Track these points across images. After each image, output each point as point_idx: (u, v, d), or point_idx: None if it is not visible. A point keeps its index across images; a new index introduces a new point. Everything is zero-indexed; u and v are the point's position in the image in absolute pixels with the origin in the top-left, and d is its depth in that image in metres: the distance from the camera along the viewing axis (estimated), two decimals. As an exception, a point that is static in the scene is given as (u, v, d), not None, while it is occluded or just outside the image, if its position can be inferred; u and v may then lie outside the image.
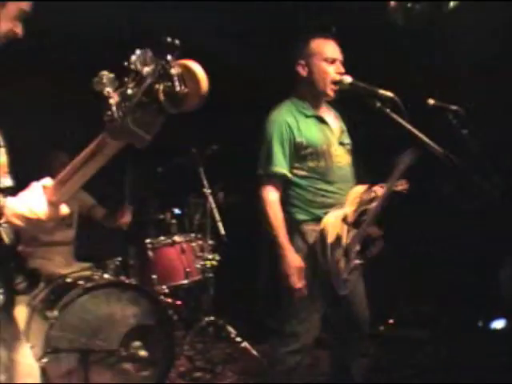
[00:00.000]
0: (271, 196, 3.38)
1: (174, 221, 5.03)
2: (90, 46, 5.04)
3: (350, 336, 3.57)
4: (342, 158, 3.55)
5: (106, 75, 1.61)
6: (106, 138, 1.73)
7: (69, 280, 4.23)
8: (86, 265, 4.65)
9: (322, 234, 3.33)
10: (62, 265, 4.57)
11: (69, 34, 4.95)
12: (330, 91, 3.47)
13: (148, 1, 4.84)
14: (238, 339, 4.94)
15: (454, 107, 3.75)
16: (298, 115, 3.46)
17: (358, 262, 3.46)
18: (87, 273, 4.40)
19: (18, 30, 2.32)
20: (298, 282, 3.30)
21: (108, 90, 1.60)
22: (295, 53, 3.56)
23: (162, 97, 1.55)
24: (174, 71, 1.53)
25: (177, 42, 1.53)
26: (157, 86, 1.55)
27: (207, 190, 5.08)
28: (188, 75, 1.55)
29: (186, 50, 1.57)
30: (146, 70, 1.56)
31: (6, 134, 2.23)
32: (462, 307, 5.13)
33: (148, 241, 4.77)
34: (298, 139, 3.40)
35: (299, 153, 3.41)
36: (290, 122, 3.42)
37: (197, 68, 1.56)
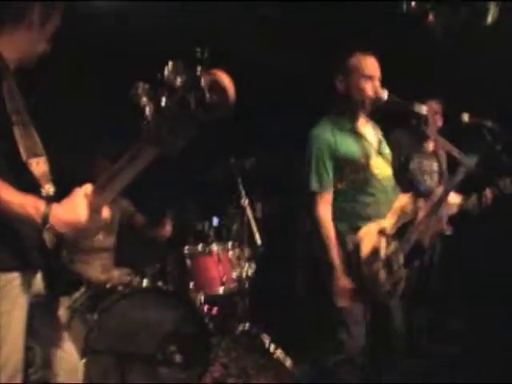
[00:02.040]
0: (324, 214, 3.45)
1: (211, 230, 5.12)
2: (128, 56, 5.13)
3: (383, 348, 3.61)
4: (381, 169, 3.59)
5: (141, 86, 1.72)
6: (142, 146, 1.83)
7: (108, 285, 4.32)
8: (125, 271, 4.76)
9: (356, 247, 3.38)
10: (101, 270, 4.66)
11: (107, 46, 5.05)
12: (367, 106, 3.54)
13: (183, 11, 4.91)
14: (272, 348, 4.98)
15: (488, 123, 3.79)
16: (335, 131, 3.53)
17: (403, 272, 3.50)
18: (126, 278, 4.50)
19: (48, 47, 2.45)
20: (344, 302, 3.35)
21: (144, 100, 1.71)
22: (335, 68, 3.62)
23: (193, 106, 1.65)
24: (203, 81, 1.64)
25: (206, 53, 1.64)
26: (188, 95, 1.66)
27: (245, 201, 5.16)
28: (216, 85, 1.65)
29: (224, 61, 1.67)
30: (178, 80, 1.67)
31: (48, 143, 2.35)
32: (497, 322, 5.11)
33: (186, 249, 4.86)
34: (337, 154, 3.47)
35: (339, 167, 3.48)
36: (328, 138, 3.49)
37: (225, 78, 1.67)
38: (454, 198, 5.22)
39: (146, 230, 5.13)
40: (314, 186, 3.47)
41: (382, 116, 3.75)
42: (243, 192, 5.17)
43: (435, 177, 5.21)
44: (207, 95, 1.64)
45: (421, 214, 3.59)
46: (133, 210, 5.14)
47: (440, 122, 5.08)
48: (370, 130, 3.69)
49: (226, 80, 1.65)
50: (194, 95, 1.65)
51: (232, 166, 5.14)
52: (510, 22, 5.11)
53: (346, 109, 3.60)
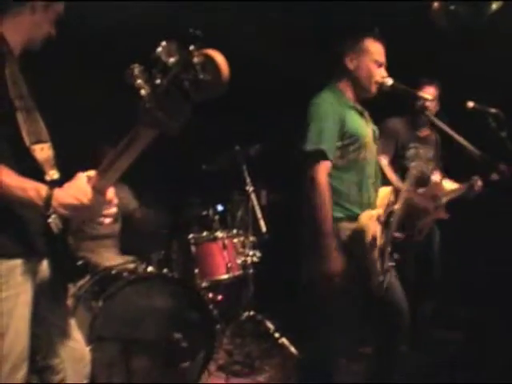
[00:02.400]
0: (322, 177, 3.27)
1: (216, 217, 5.10)
2: (121, 40, 5.10)
3: (390, 335, 3.56)
4: (375, 156, 3.58)
5: (136, 67, 1.71)
6: (139, 128, 1.83)
7: (113, 272, 4.33)
8: (130, 258, 4.75)
9: (360, 234, 3.34)
10: (107, 257, 4.67)
11: (105, 30, 5.00)
12: (373, 89, 3.52)
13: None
14: (277, 335, 4.99)
15: (493, 110, 3.77)
16: (342, 104, 3.48)
17: (391, 263, 3.48)
18: (131, 265, 4.51)
19: (53, 31, 2.45)
20: (336, 286, 3.24)
21: (139, 81, 1.70)
22: (345, 46, 3.58)
23: (186, 85, 1.64)
24: (196, 60, 1.63)
25: (198, 32, 1.63)
26: (181, 75, 1.64)
27: (250, 188, 5.15)
28: (210, 64, 1.64)
29: (220, 47, 1.66)
30: (171, 60, 1.65)
31: (52, 130, 2.34)
32: (499, 310, 5.10)
33: (191, 236, 4.85)
34: (345, 127, 3.39)
35: (343, 142, 3.39)
36: (338, 109, 3.41)
37: (218, 56, 1.65)
38: (452, 185, 5.24)
39: (144, 224, 5.11)
40: (317, 144, 3.31)
41: (379, 104, 3.73)
42: (248, 179, 5.16)
43: (431, 164, 5.21)
44: (200, 74, 1.62)
45: (396, 207, 3.55)
46: (134, 206, 5.16)
47: (437, 107, 5.07)
48: (367, 117, 3.68)
49: (218, 58, 1.64)
50: (187, 75, 1.63)
51: (237, 153, 5.13)
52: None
53: (348, 87, 3.56)
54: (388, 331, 3.54)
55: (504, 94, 5.07)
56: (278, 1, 5.13)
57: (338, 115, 3.38)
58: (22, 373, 2.27)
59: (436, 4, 5.33)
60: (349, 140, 3.39)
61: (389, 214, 3.50)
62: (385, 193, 3.57)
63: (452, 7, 5.28)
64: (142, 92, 1.69)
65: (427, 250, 5.16)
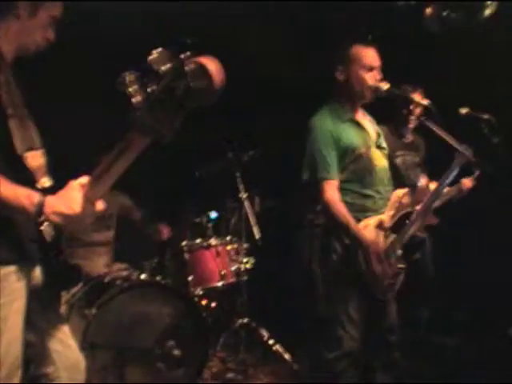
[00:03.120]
0: (334, 196, 3.41)
1: (210, 224, 5.10)
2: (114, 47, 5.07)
3: (378, 342, 3.60)
4: (379, 161, 3.60)
5: (128, 75, 1.71)
6: (131, 136, 1.83)
7: (107, 279, 4.31)
8: (124, 265, 4.73)
9: (360, 237, 3.37)
10: (100, 265, 4.65)
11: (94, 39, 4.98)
12: (368, 95, 3.53)
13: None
14: (271, 342, 4.97)
15: (486, 116, 3.79)
16: (336, 120, 3.53)
17: (401, 266, 3.49)
18: (125, 273, 4.49)
19: (50, 36, 2.42)
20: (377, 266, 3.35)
21: (131, 89, 1.70)
22: (335, 58, 3.61)
23: (179, 93, 1.64)
24: (188, 68, 1.63)
25: (190, 40, 1.63)
26: (174, 83, 1.65)
27: (243, 195, 5.14)
28: (202, 71, 1.64)
29: (204, 48, 1.66)
30: (163, 68, 1.66)
31: (45, 137, 2.33)
32: (494, 314, 5.10)
33: (184, 243, 4.83)
34: (339, 143, 3.46)
35: (340, 157, 3.47)
36: (330, 127, 3.48)
37: (210, 64, 1.66)
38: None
39: (143, 225, 5.11)
40: (323, 173, 3.44)
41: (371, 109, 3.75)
42: (241, 186, 5.15)
43: (417, 170, 5.21)
44: (191, 82, 1.63)
45: (418, 208, 3.58)
46: (131, 205, 5.12)
47: (423, 108, 5.06)
48: (368, 123, 3.69)
49: (211, 66, 1.64)
50: (179, 83, 1.64)
51: (230, 160, 5.12)
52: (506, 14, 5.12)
53: (345, 99, 3.59)
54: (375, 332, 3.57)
55: (497, 99, 5.10)
56: (276, 4, 5.12)
57: (332, 133, 3.46)
58: (15, 380, 2.25)
59: (429, 9, 5.35)
60: (346, 154, 3.45)
61: (402, 216, 3.53)
62: (396, 196, 3.60)
63: (445, 12, 5.30)
64: (134, 100, 1.69)
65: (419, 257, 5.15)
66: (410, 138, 5.25)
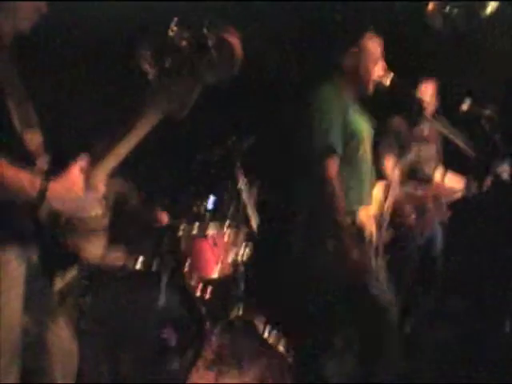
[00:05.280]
0: (333, 173, 3.29)
1: (207, 214, 5.05)
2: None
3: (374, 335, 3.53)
4: (370, 156, 3.53)
5: (143, 52, 1.64)
6: (144, 112, 1.75)
7: (102, 268, 4.27)
8: (119, 253, 4.67)
9: (360, 229, 3.29)
10: (95, 252, 4.58)
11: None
12: (371, 88, 3.47)
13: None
14: (266, 334, 4.92)
15: (487, 112, 3.75)
16: (342, 101, 3.45)
17: (383, 262, 3.45)
18: (120, 261, 4.45)
19: (43, 6, 2.30)
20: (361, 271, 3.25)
21: (146, 66, 1.63)
22: (343, 43, 3.54)
23: (199, 67, 1.58)
24: (211, 41, 1.57)
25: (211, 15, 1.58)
26: (194, 56, 1.58)
27: (242, 183, 5.07)
28: (224, 45, 1.58)
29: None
30: (184, 42, 1.59)
31: (44, 116, 2.27)
32: (490, 310, 5.11)
33: (181, 232, 4.78)
34: (346, 123, 3.38)
35: (345, 138, 3.37)
36: (342, 106, 3.41)
37: (231, 37, 1.60)
38: (455, 182, 5.21)
39: (140, 211, 5.05)
40: (331, 142, 3.31)
41: (379, 103, 3.71)
42: (240, 174, 5.08)
43: (433, 162, 5.18)
44: (215, 55, 1.57)
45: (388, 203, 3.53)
46: (128, 190, 5.04)
47: (436, 103, 5.02)
48: (365, 117, 3.64)
49: (233, 40, 1.59)
50: (200, 56, 1.58)
51: (229, 148, 5.05)
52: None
53: (347, 85, 3.52)
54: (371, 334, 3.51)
55: (499, 95, 5.08)
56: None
57: (341, 111, 3.35)
58: (15, 368, 2.21)
59: (431, 5, 5.31)
60: (349, 137, 3.36)
61: (382, 212, 3.48)
62: (378, 189, 3.54)
63: (447, 9, 5.26)
64: (150, 76, 1.63)
65: (429, 250, 5.13)
66: (426, 129, 5.21)
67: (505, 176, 4.46)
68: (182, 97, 1.65)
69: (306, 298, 3.57)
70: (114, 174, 4.59)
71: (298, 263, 3.61)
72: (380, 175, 4.24)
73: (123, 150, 1.90)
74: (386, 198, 3.52)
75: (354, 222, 3.30)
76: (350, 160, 3.36)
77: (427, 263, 5.10)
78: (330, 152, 3.29)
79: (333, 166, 3.27)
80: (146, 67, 1.64)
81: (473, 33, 5.22)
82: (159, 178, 5.24)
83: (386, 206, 3.48)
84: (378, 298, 3.40)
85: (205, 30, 1.58)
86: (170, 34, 1.60)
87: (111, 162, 1.96)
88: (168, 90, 1.64)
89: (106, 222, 4.85)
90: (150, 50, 1.64)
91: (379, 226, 3.40)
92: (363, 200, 3.39)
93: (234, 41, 1.60)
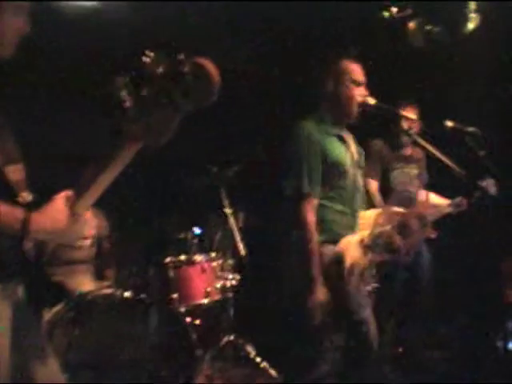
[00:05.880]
0: (309, 217, 3.28)
1: (194, 240, 5.03)
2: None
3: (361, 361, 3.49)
4: (359, 181, 3.54)
5: (119, 79, 1.64)
6: (122, 143, 1.76)
7: (89, 298, 4.21)
8: (106, 283, 4.66)
9: (339, 257, 3.28)
10: (82, 283, 4.56)
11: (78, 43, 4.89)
12: (354, 111, 3.47)
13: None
14: (258, 359, 4.90)
15: (471, 129, 3.77)
16: (323, 132, 3.43)
17: (374, 285, 3.43)
18: (107, 291, 4.40)
19: (26, 27, 2.24)
20: (317, 317, 3.23)
21: (123, 93, 1.63)
22: (322, 71, 3.55)
23: (176, 95, 1.58)
24: (186, 69, 1.57)
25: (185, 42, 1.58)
26: (170, 85, 1.58)
27: (228, 210, 5.07)
28: (201, 71, 1.58)
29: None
30: (159, 70, 1.60)
31: (25, 149, 2.25)
32: (480, 327, 5.10)
33: (168, 260, 4.76)
34: (327, 158, 3.35)
35: (326, 171, 3.36)
36: (320, 139, 3.38)
37: (207, 64, 1.60)
38: (439, 202, 5.23)
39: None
40: (306, 188, 3.30)
41: (361, 125, 3.71)
42: (226, 201, 5.08)
43: (416, 182, 5.20)
44: (191, 83, 1.57)
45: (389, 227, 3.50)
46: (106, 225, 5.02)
47: (418, 127, 5.05)
48: (351, 141, 3.63)
49: (209, 65, 1.59)
50: (176, 84, 1.58)
51: (215, 175, 5.05)
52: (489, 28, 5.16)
53: (330, 113, 3.52)
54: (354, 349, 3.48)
55: (481, 112, 5.12)
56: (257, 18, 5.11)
57: (319, 146, 3.35)
58: None
59: (412, 24, 5.36)
60: (330, 169, 3.35)
61: (376, 236, 3.45)
62: (371, 215, 3.52)
63: (428, 27, 5.31)
64: (127, 104, 1.63)
65: (416, 270, 5.13)
66: (409, 150, 5.24)
67: (492, 191, 4.48)
68: (160, 126, 1.65)
69: (292, 322, 3.54)
70: (97, 205, 4.60)
71: (285, 289, 3.58)
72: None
73: (105, 180, 1.90)
74: (375, 224, 3.49)
75: (335, 252, 3.29)
76: (333, 191, 3.36)
77: (413, 285, 5.10)
78: (305, 197, 3.29)
79: (308, 210, 3.28)
80: (123, 95, 1.64)
81: (454, 50, 5.27)
82: (144, 206, 5.22)
83: (375, 233, 3.45)
84: (360, 324, 3.39)
85: (181, 56, 1.58)
86: (144, 59, 1.61)
87: (94, 192, 1.96)
88: (145, 119, 1.63)
89: (93, 252, 4.84)
90: (126, 76, 1.64)
91: (367, 252, 3.37)
92: (349, 228, 3.38)
93: (211, 67, 1.60)
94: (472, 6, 5.20)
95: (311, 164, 3.33)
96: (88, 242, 4.51)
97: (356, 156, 3.58)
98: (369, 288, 3.42)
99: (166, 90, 1.59)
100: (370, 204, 4.17)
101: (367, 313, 3.42)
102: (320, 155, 3.35)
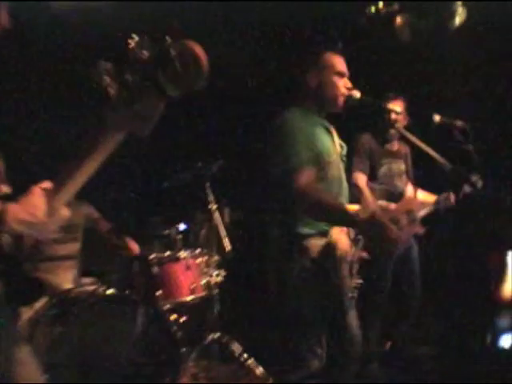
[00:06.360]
0: (312, 184, 3.15)
1: (179, 236, 4.96)
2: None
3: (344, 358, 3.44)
4: (342, 174, 3.48)
5: (103, 64, 1.57)
6: (104, 132, 1.68)
7: (72, 295, 4.17)
8: (90, 279, 4.60)
9: (332, 248, 3.24)
10: (66, 279, 4.50)
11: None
12: (340, 103, 3.42)
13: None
14: (244, 357, 4.85)
15: (459, 123, 3.75)
16: (308, 122, 3.37)
17: (359, 280, 3.39)
18: (91, 288, 4.33)
19: (5, 21, 2.18)
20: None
21: (106, 80, 1.56)
22: (305, 64, 3.50)
23: (162, 80, 1.51)
24: (173, 52, 1.50)
25: (174, 23, 1.51)
26: (157, 69, 1.51)
27: (213, 206, 5.02)
28: (190, 55, 1.51)
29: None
30: (145, 55, 1.52)
31: (3, 141, 2.19)
32: (470, 323, 5.09)
33: (153, 256, 4.68)
34: (314, 147, 3.28)
35: (312, 161, 3.25)
36: (307, 127, 3.32)
37: (196, 47, 1.52)
38: (426, 198, 5.21)
39: (110, 235, 4.97)
40: (296, 163, 3.18)
41: (348, 119, 3.67)
42: (211, 197, 5.02)
43: (404, 177, 5.18)
44: (179, 68, 1.50)
45: None
46: (97, 215, 4.97)
47: (406, 121, 5.02)
48: (334, 133, 3.58)
49: (197, 49, 1.52)
50: (162, 68, 1.51)
51: (199, 170, 4.99)
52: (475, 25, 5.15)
53: (314, 105, 3.47)
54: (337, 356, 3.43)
55: (470, 107, 5.11)
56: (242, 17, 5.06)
57: (307, 134, 3.28)
58: None
59: (399, 19, 5.34)
60: (316, 158, 3.27)
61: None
62: (353, 209, 3.47)
63: (415, 22, 5.29)
64: (111, 91, 1.55)
65: (404, 266, 5.10)
66: (395, 145, 5.21)
67: (479, 185, 4.45)
68: (145, 113, 1.57)
69: (281, 317, 3.49)
70: (83, 200, 4.54)
71: (272, 281, 3.52)
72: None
73: (86, 172, 1.83)
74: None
75: (326, 242, 3.24)
76: (319, 179, 3.23)
77: (402, 282, 5.08)
78: (297, 168, 3.16)
79: (304, 178, 3.13)
80: (106, 82, 1.56)
81: (441, 45, 5.25)
82: (129, 203, 5.16)
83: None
84: (348, 318, 3.35)
85: (167, 40, 1.51)
86: (130, 44, 1.53)
87: (74, 185, 1.89)
88: (130, 106, 1.56)
89: (76, 247, 4.77)
90: (110, 62, 1.57)
91: (355, 245, 3.34)
92: None
93: (199, 50, 1.52)
94: (459, 1, 5.19)
95: (301, 145, 3.23)
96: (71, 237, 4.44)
97: (339, 149, 3.53)
98: (354, 283, 3.37)
99: (152, 74, 1.51)
100: (358, 198, 4.12)
101: (351, 315, 3.39)
102: (307, 142, 3.26)
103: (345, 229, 3.30)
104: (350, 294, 3.31)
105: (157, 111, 1.58)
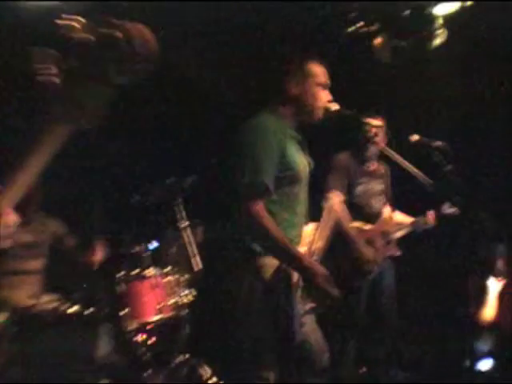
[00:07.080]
0: (262, 213, 2.93)
1: (147, 254, 4.84)
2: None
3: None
4: (306, 190, 3.32)
5: (44, 51, 1.45)
6: (47, 126, 1.56)
7: (34, 311, 4.10)
8: (54, 296, 4.49)
9: (286, 271, 3.11)
10: (28, 295, 4.42)
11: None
12: (318, 114, 3.28)
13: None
14: (213, 380, 4.73)
15: (437, 143, 3.68)
16: (280, 132, 3.12)
17: (312, 304, 3.26)
18: (54, 305, 4.26)
19: None
20: (334, 289, 2.91)
21: (42, 68, 1.43)
22: (286, 72, 3.37)
23: (108, 66, 1.39)
24: (118, 35, 1.38)
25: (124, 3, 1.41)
26: (102, 54, 1.39)
27: (183, 224, 4.90)
28: (137, 37, 1.39)
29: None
30: (88, 38, 1.40)
31: None
32: (448, 345, 5.03)
33: (120, 274, 4.59)
34: (284, 157, 3.05)
35: (279, 174, 3.04)
36: (279, 135, 3.08)
37: (143, 29, 1.41)
38: (403, 219, 5.14)
39: (76, 253, 4.86)
40: (254, 177, 2.96)
41: (325, 134, 3.58)
42: (182, 214, 4.91)
43: (381, 198, 5.09)
44: (125, 50, 1.37)
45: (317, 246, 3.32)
46: (63, 232, 4.85)
47: (385, 140, 4.91)
48: (305, 148, 3.42)
49: (145, 31, 1.40)
50: (108, 53, 1.38)
51: (170, 186, 4.87)
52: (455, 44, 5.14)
53: (290, 114, 3.30)
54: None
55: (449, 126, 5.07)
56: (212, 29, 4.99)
57: (279, 142, 3.11)
58: None
59: (378, 39, 5.29)
60: (285, 172, 3.10)
61: (312, 252, 3.27)
62: (309, 230, 3.34)
63: (395, 42, 5.25)
64: (53, 79, 1.43)
65: (379, 289, 4.99)
66: (374, 165, 5.10)
67: (460, 205, 4.40)
68: (90, 102, 1.45)
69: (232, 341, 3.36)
70: (50, 216, 4.44)
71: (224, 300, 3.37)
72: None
73: (32, 171, 1.71)
74: (314, 238, 3.31)
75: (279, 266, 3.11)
76: (283, 198, 3.07)
77: (378, 302, 4.99)
78: (258, 192, 2.96)
79: (260, 204, 2.93)
80: (49, 68, 1.43)
81: (420, 65, 5.22)
82: (98, 219, 5.05)
83: (314, 247, 3.27)
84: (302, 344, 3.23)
85: (111, 21, 1.38)
86: (67, 27, 1.40)
87: (18, 187, 1.77)
88: (74, 96, 1.43)
89: (40, 263, 4.66)
90: (46, 49, 1.44)
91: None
92: (293, 241, 3.15)
93: (147, 32, 1.40)
94: (439, 21, 5.17)
95: (266, 155, 3.02)
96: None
97: (307, 166, 3.36)
98: (308, 307, 3.25)
99: (97, 60, 1.39)
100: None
101: (309, 329, 3.27)
102: (278, 152, 3.05)
103: (307, 248, 3.18)
104: (301, 319, 3.18)
105: (104, 101, 1.46)
